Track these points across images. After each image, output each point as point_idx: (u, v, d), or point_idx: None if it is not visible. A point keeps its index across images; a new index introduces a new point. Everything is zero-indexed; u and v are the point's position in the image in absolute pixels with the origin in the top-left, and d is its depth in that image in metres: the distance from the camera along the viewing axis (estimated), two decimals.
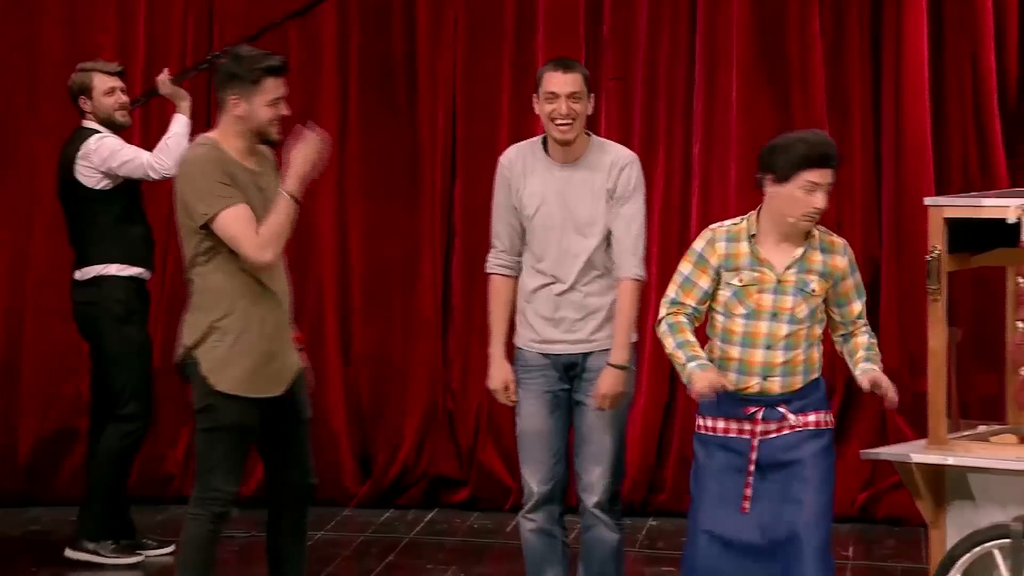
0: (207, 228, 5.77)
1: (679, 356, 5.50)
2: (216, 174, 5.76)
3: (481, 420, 8.64)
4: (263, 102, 5.85)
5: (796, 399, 5.53)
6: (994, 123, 8.10)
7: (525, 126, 8.60)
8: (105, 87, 7.61)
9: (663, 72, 8.47)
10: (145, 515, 8.08)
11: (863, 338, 5.64)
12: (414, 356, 8.69)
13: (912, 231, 7.97)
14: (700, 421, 5.59)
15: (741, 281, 5.49)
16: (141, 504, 8.13)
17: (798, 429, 5.50)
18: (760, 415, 5.49)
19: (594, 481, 6.00)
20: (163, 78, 7.71)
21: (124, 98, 7.66)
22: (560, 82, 5.93)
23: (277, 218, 5.79)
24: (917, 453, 5.88)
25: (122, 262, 7.48)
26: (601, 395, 5.94)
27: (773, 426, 5.50)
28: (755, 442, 5.48)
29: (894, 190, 8.27)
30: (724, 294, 5.51)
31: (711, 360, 5.51)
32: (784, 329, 5.47)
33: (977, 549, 5.70)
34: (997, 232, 5.81)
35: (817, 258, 5.52)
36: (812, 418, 5.55)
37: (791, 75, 8.33)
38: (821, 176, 5.43)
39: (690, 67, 8.41)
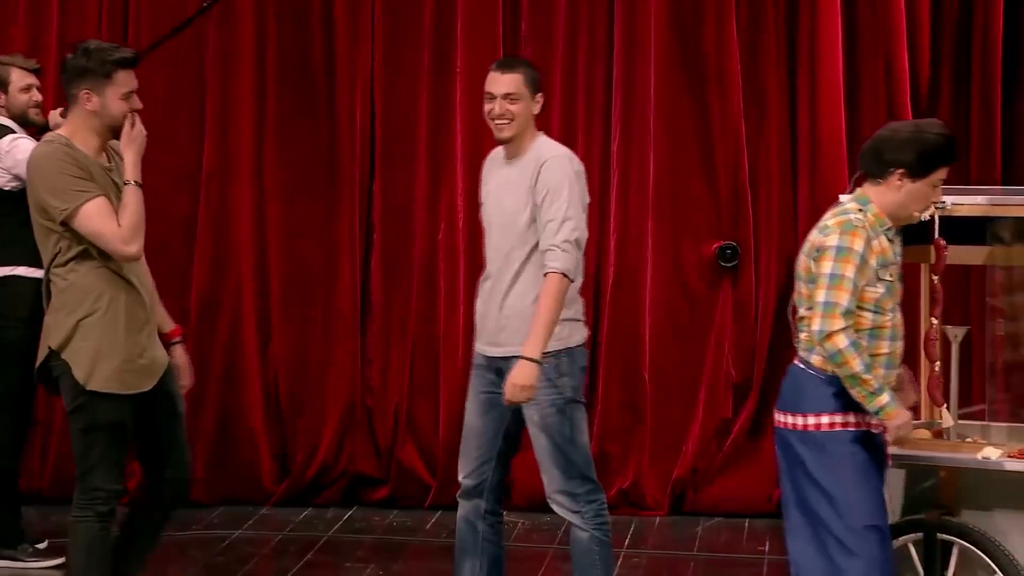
0: (66, 225, 5.70)
1: (871, 383, 5.23)
2: (70, 169, 5.68)
3: (400, 418, 8.64)
4: (116, 95, 5.78)
5: None
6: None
7: (444, 124, 8.62)
8: (22, 83, 7.53)
9: (582, 70, 8.50)
10: (61, 516, 8.01)
11: None
12: (333, 355, 8.67)
13: None
14: (824, 419, 5.30)
15: (891, 276, 5.36)
16: (57, 505, 8.06)
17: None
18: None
19: (546, 482, 6.05)
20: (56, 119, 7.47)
21: (39, 96, 7.58)
22: (497, 82, 6.00)
23: (131, 208, 5.71)
24: None
25: (31, 264, 7.39)
26: (510, 385, 5.88)
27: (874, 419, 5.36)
28: (872, 432, 5.34)
29: (810, 188, 8.33)
30: (877, 291, 5.30)
31: None
32: (900, 317, 5.42)
33: (893, 543, 5.74)
34: (910, 230, 5.86)
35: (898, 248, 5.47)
36: None
37: (708, 74, 8.39)
38: (943, 175, 5.38)
39: (608, 65, 8.45)
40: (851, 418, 5.31)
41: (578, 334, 6.04)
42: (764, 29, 8.35)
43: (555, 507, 6.06)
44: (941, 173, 5.35)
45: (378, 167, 8.67)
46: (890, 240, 5.37)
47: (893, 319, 5.37)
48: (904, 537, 5.73)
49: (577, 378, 6.04)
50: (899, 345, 5.39)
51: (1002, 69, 8.14)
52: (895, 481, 5.82)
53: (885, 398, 5.22)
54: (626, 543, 7.95)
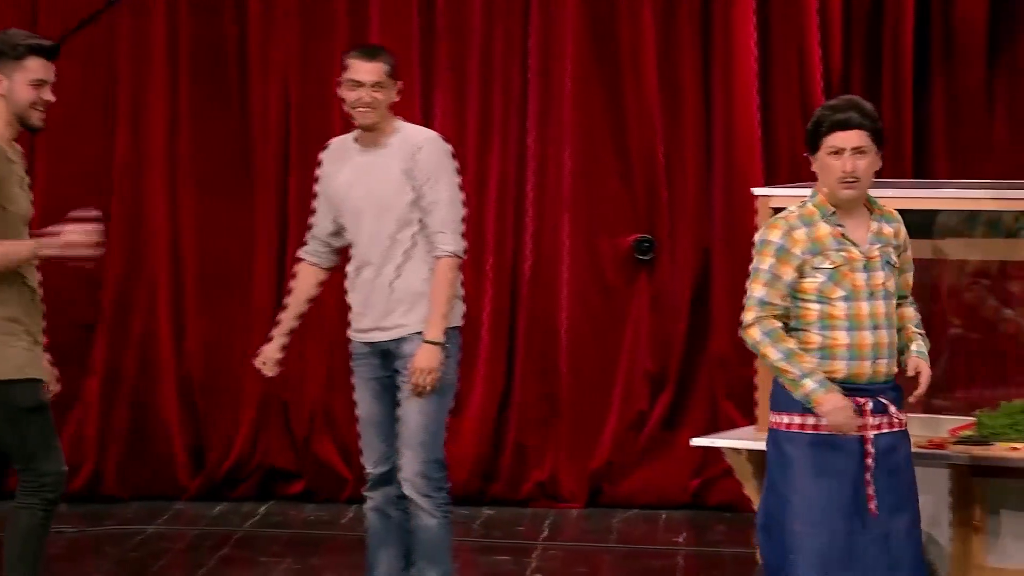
0: None
1: (789, 370, 5.16)
2: None
3: (316, 412, 8.62)
4: (24, 80, 5.72)
5: (893, 390, 5.26)
6: None
7: None
8: None
9: (498, 63, 8.52)
10: None
11: (910, 310, 5.35)
12: (249, 348, 8.60)
13: (742, 220, 8.09)
14: (784, 418, 5.25)
15: (832, 263, 5.21)
16: None
17: (895, 429, 5.24)
18: (870, 406, 5.20)
19: (403, 465, 6.06)
20: None
21: None
22: (363, 70, 6.04)
23: (10, 249, 5.66)
24: (746, 440, 6.00)
25: None
26: (416, 370, 5.96)
27: (878, 419, 5.22)
28: (869, 435, 5.17)
29: (724, 180, 8.39)
30: (815, 281, 5.21)
31: (807, 350, 5.20)
32: (882, 307, 5.22)
33: None
34: None
35: (888, 230, 5.31)
36: (903, 417, 5.28)
37: (623, 67, 8.42)
38: (844, 140, 5.20)
39: (524, 58, 8.47)
40: (809, 420, 5.21)
41: (460, 312, 6.12)
42: (678, 23, 8.40)
43: (409, 489, 6.03)
44: (832, 140, 5.20)
45: (293, 160, 8.64)
46: (838, 225, 5.24)
47: (849, 308, 5.20)
48: None
49: (457, 360, 6.12)
50: (867, 335, 5.19)
51: (913, 62, 8.23)
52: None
53: (809, 384, 5.14)
54: (543, 535, 7.98)
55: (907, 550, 5.19)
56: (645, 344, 8.48)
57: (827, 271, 5.22)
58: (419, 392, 6.00)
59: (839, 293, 5.21)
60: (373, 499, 6.19)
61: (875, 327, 5.20)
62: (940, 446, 5.66)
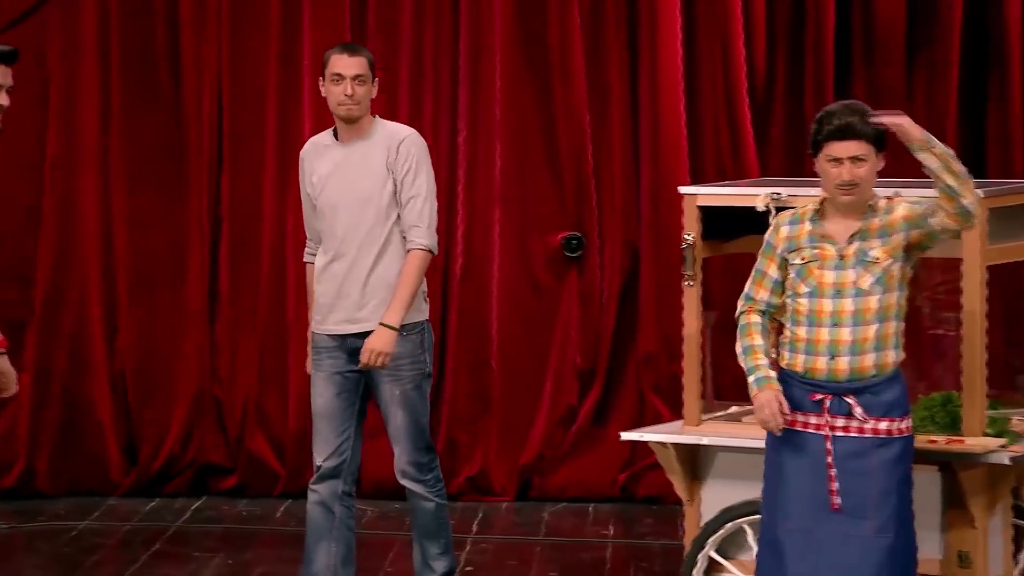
0: None
1: (743, 364, 5.35)
2: None
3: (249, 408, 8.65)
4: None
5: (868, 393, 5.27)
6: (744, 115, 8.36)
7: (292, 116, 8.64)
8: None
9: (428, 62, 8.57)
10: None
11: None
12: (182, 345, 8.67)
13: (668, 219, 8.19)
14: None
15: (802, 259, 5.32)
16: None
17: (867, 435, 5.25)
18: (828, 404, 5.25)
19: (397, 455, 6.20)
20: None
21: None
22: (346, 64, 6.13)
23: None
24: (672, 434, 6.05)
25: None
26: (368, 350, 6.04)
27: (840, 422, 5.25)
28: (828, 433, 5.24)
29: (651, 179, 8.47)
30: (790, 276, 5.34)
31: (786, 343, 5.32)
32: (849, 304, 5.25)
33: (729, 525, 5.90)
34: (748, 220, 6.02)
35: (876, 223, 5.31)
36: (884, 425, 5.27)
37: (552, 67, 8.50)
38: (842, 149, 5.24)
39: (454, 58, 8.53)
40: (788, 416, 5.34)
41: (427, 307, 6.23)
42: (606, 24, 8.48)
43: (403, 479, 6.20)
44: (829, 149, 5.26)
45: (226, 158, 8.67)
46: (818, 223, 5.32)
47: (811, 304, 5.28)
48: (741, 519, 5.86)
49: (431, 352, 6.24)
50: (824, 332, 5.25)
51: (834, 60, 8.33)
52: (732, 465, 5.94)
53: (751, 379, 5.33)
54: (474, 529, 8.04)
55: (869, 557, 5.21)
56: (574, 340, 8.56)
57: (796, 267, 5.35)
58: (409, 379, 6.09)
59: (804, 289, 5.32)
60: (319, 493, 6.24)
61: (835, 324, 5.26)
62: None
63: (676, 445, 6.02)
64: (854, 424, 5.27)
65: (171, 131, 8.64)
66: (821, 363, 5.28)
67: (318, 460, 6.24)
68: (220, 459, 8.65)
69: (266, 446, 8.63)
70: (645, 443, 6.20)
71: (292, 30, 8.57)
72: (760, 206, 5.90)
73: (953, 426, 5.78)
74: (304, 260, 6.40)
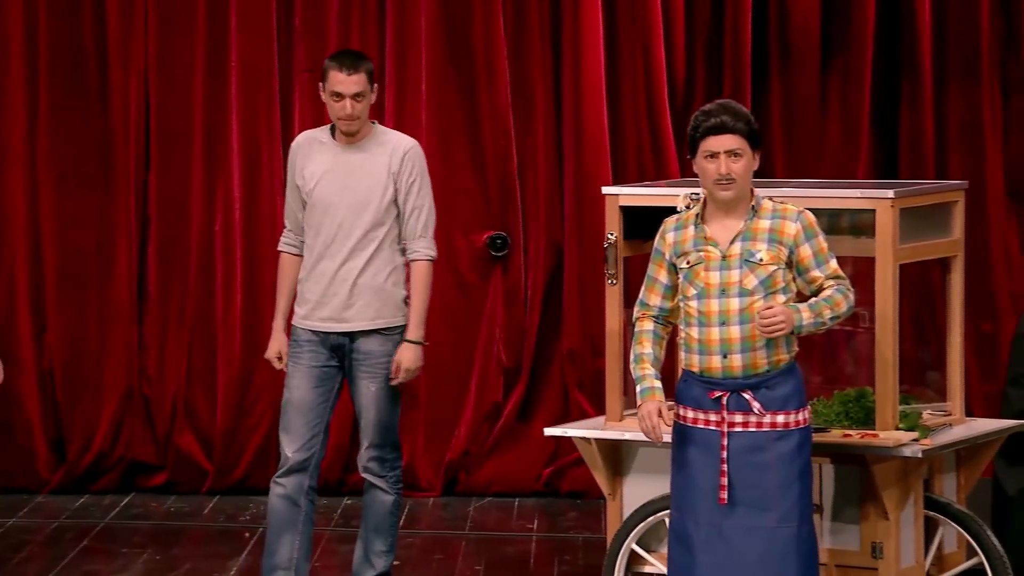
0: None
1: (632, 372, 5.49)
2: None
3: (178, 405, 8.68)
4: None
5: (764, 388, 5.35)
6: (665, 117, 8.46)
7: (219, 116, 8.66)
8: None
9: None
10: None
11: (828, 290, 5.38)
12: (110, 343, 8.67)
13: (591, 219, 8.29)
14: (676, 409, 5.47)
15: (688, 263, 5.40)
16: None
17: (764, 428, 5.33)
18: (726, 400, 5.34)
19: (363, 449, 6.31)
20: None
21: None
22: (345, 83, 6.20)
23: None
24: (595, 430, 6.12)
25: None
26: (404, 370, 6.21)
27: (739, 418, 5.35)
28: (724, 430, 5.34)
29: (575, 180, 8.54)
30: (680, 280, 5.44)
31: (680, 344, 5.43)
32: (735, 303, 5.32)
33: (651, 518, 5.98)
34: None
35: (764, 226, 5.37)
36: (780, 418, 5.36)
37: (477, 68, 8.56)
38: (718, 143, 5.33)
39: (380, 60, 8.57)
40: (680, 411, 5.46)
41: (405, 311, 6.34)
42: (530, 26, 8.55)
43: (365, 473, 6.31)
44: (706, 145, 5.34)
45: (154, 158, 8.68)
46: (700, 227, 5.40)
47: (700, 305, 5.36)
48: (662, 513, 5.92)
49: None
50: (714, 332, 5.34)
51: (751, 66, 8.42)
52: (654, 459, 6.04)
53: (637, 388, 5.47)
54: (400, 524, 8.08)
55: (774, 547, 5.29)
56: (499, 338, 8.63)
57: (684, 271, 5.44)
58: (385, 378, 6.20)
59: (692, 291, 5.41)
60: (284, 487, 6.29)
61: (724, 323, 5.34)
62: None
63: (599, 441, 6.08)
64: (752, 419, 5.36)
65: (99, 130, 8.64)
66: (715, 361, 5.37)
67: (288, 451, 6.29)
68: (148, 456, 8.67)
69: (195, 443, 8.66)
70: (569, 439, 6.26)
71: (219, 30, 8.59)
72: (680, 206, 5.97)
73: (867, 421, 5.88)
74: (279, 248, 6.44)
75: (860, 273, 5.89)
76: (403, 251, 6.29)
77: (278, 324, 6.39)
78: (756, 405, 5.35)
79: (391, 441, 6.34)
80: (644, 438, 6.00)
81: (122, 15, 8.59)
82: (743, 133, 5.37)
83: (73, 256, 8.66)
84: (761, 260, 5.35)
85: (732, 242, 5.38)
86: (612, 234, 6.12)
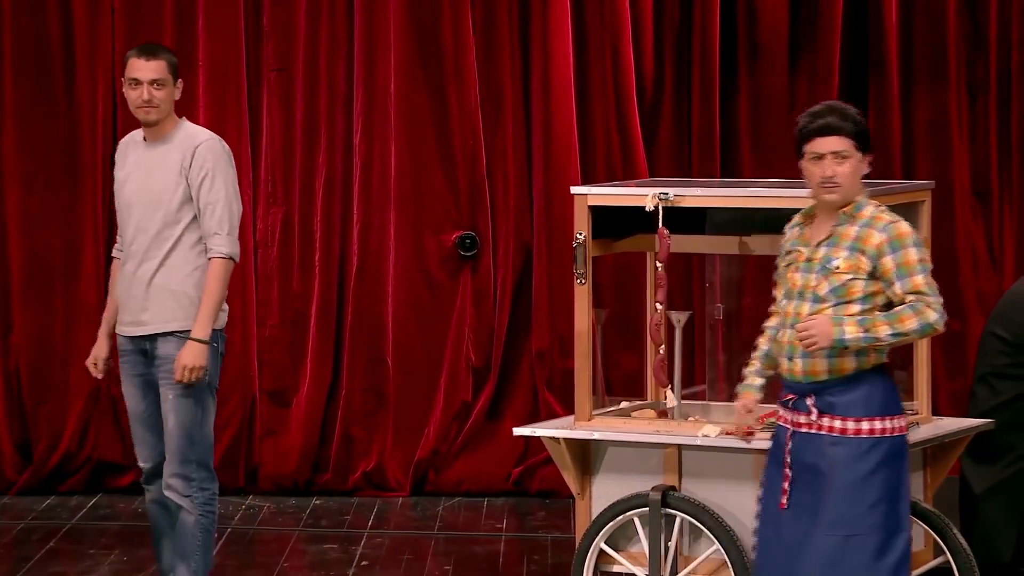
0: None
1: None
2: None
3: None
4: None
5: (826, 394, 5.21)
6: (634, 117, 8.49)
7: (186, 114, 8.56)
8: None
9: (324, 64, 8.63)
10: None
11: (898, 308, 5.17)
12: (77, 343, 8.65)
13: (560, 218, 8.31)
14: (777, 410, 5.38)
15: (784, 263, 5.33)
16: None
17: (822, 432, 5.20)
18: (793, 404, 5.26)
19: (166, 464, 6.10)
20: None
21: None
22: (143, 68, 6.10)
23: None
24: (564, 430, 6.13)
25: None
26: (180, 366, 5.98)
27: (803, 419, 5.24)
28: (790, 431, 5.25)
29: (544, 179, 8.56)
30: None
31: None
32: (807, 308, 5.21)
33: (619, 518, 6.01)
34: (637, 219, 6.15)
35: (851, 233, 5.20)
36: (837, 423, 5.20)
37: (446, 69, 8.58)
38: (821, 145, 5.17)
39: (349, 60, 8.58)
40: (777, 407, 5.37)
41: (224, 317, 6.15)
42: (499, 27, 8.57)
43: (168, 492, 6.08)
44: (811, 146, 5.20)
45: None
46: (802, 227, 5.30)
47: (785, 306, 5.28)
48: (631, 512, 6.01)
49: (218, 365, 6.13)
50: (787, 333, 5.23)
51: (720, 66, 8.48)
52: (622, 459, 6.08)
53: (742, 382, 5.41)
54: (369, 523, 8.10)
55: (819, 555, 5.15)
56: (469, 337, 8.65)
57: (780, 271, 5.38)
58: (183, 385, 6.00)
59: (781, 292, 5.33)
60: (151, 491, 6.22)
61: (794, 327, 5.22)
62: (748, 432, 5.90)
63: (568, 440, 6.10)
64: (813, 421, 5.23)
65: (65, 131, 8.63)
66: (785, 364, 5.29)
67: (140, 462, 6.21)
68: (116, 456, 8.65)
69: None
70: (538, 438, 6.28)
71: (186, 30, 8.58)
72: (649, 206, 6.02)
73: None
74: (112, 255, 6.35)
75: None
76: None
77: (101, 331, 6.30)
78: (814, 410, 5.22)
79: (196, 457, 6.05)
80: (614, 437, 6.07)
81: (89, 14, 8.58)
82: (849, 134, 5.20)
83: (39, 256, 8.65)
84: (836, 268, 5.20)
85: (819, 245, 5.25)
86: (581, 234, 6.14)
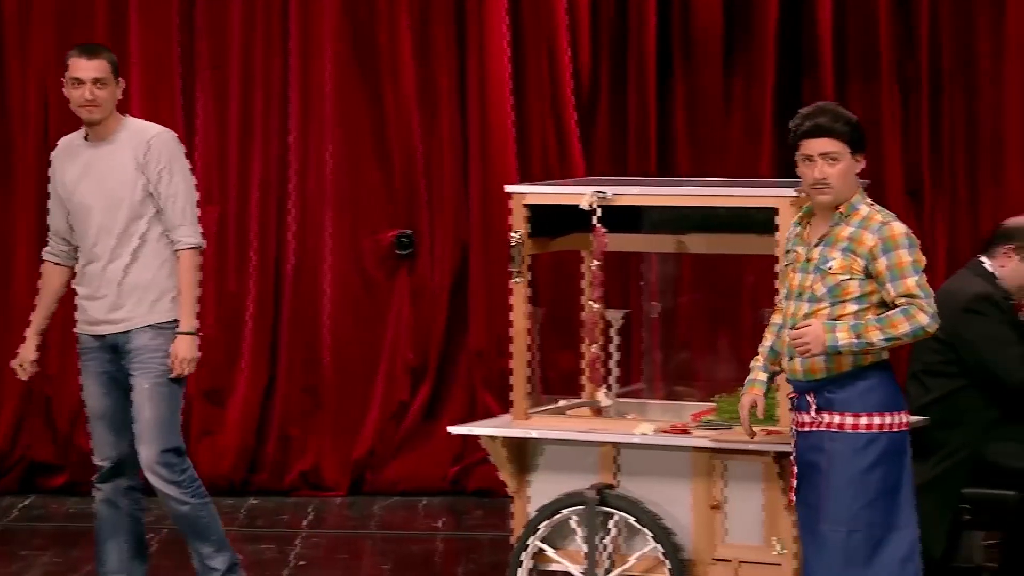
0: None
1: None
2: None
3: (78, 405, 8.59)
4: None
5: (826, 391, 5.23)
6: (570, 116, 8.52)
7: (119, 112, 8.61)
8: None
9: (259, 62, 8.61)
10: None
11: (891, 311, 5.18)
12: (9, 344, 8.57)
13: (497, 217, 8.32)
14: None
15: (785, 263, 5.35)
16: None
17: (821, 428, 5.23)
18: (796, 402, 5.29)
19: (142, 458, 6.16)
20: None
21: None
22: (84, 68, 6.14)
23: None
24: (501, 428, 6.14)
25: None
26: (179, 360, 6.10)
27: (805, 418, 5.28)
28: (794, 431, 5.29)
29: (480, 178, 8.59)
30: None
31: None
32: (804, 308, 5.23)
33: (556, 516, 6.01)
34: (574, 218, 6.16)
35: (845, 233, 5.21)
36: (836, 419, 5.22)
37: (382, 66, 8.58)
38: (813, 146, 5.18)
39: (285, 58, 8.57)
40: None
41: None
42: (434, 24, 8.58)
43: (153, 479, 6.13)
44: (803, 147, 5.21)
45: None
46: (800, 226, 5.31)
47: (785, 306, 5.31)
48: (567, 510, 6.02)
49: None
50: (787, 333, 5.25)
51: (656, 65, 8.53)
52: (559, 457, 6.10)
53: (748, 377, 5.43)
54: (306, 523, 8.09)
55: (821, 551, 5.19)
56: (406, 337, 8.65)
57: (781, 270, 5.39)
58: (159, 374, 6.08)
59: (782, 292, 5.38)
60: (103, 491, 6.25)
61: (793, 327, 5.24)
62: (684, 430, 5.92)
63: (504, 439, 6.10)
64: (814, 419, 5.26)
65: None
66: (786, 363, 5.32)
67: (98, 460, 6.25)
68: (49, 456, 8.61)
69: None
70: (475, 437, 6.27)
71: (119, 28, 8.55)
72: (585, 204, 6.03)
73: (770, 417, 5.95)
74: (42, 258, 6.36)
75: (763, 271, 5.94)
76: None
77: (29, 333, 6.34)
78: (813, 407, 5.25)
79: (172, 445, 6.14)
80: (550, 435, 6.08)
81: (20, 15, 8.53)
82: (840, 135, 5.20)
83: None
84: (831, 268, 5.21)
85: (816, 245, 5.26)
86: (518, 232, 6.15)
